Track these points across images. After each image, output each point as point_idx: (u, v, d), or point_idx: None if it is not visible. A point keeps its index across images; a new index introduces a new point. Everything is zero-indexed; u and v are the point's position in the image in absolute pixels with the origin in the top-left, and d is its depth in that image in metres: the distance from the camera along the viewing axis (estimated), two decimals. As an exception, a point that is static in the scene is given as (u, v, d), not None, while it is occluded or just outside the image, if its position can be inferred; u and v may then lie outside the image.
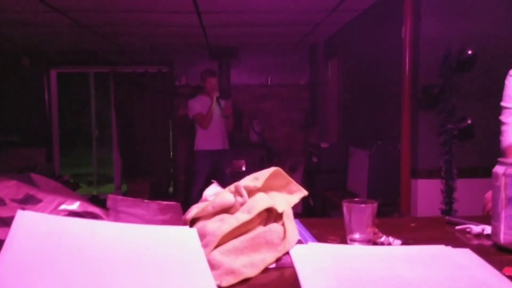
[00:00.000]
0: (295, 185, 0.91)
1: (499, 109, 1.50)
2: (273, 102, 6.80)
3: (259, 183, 0.86)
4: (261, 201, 0.81)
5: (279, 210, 0.83)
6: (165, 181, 6.79)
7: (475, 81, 3.03)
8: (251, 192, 0.85)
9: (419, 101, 3.09)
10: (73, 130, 10.16)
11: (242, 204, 0.83)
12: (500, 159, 0.79)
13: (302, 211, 5.54)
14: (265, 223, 0.83)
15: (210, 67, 5.45)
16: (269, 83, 6.74)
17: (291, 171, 6.16)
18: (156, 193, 6.47)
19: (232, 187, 0.88)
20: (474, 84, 3.04)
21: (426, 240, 0.89)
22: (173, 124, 6.69)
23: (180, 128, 6.53)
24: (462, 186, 3.06)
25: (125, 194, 6.48)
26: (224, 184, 4.25)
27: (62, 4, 3.83)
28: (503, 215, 0.76)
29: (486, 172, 3.09)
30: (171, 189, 6.86)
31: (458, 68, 2.91)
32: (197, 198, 4.64)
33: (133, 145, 6.62)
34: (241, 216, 0.79)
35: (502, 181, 0.76)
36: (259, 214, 0.80)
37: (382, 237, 0.87)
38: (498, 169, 0.78)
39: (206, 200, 0.88)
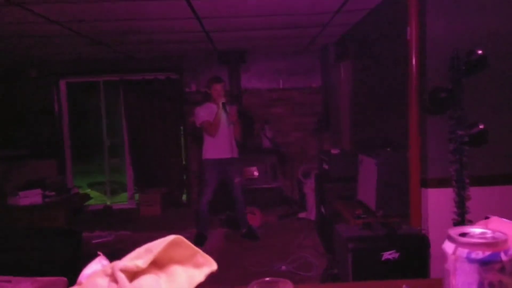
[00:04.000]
0: (202, 256, 0.72)
1: None
2: (285, 106, 6.63)
3: (142, 263, 0.67)
4: None
5: None
6: (178, 189, 6.70)
7: (486, 84, 2.81)
8: (135, 274, 0.67)
9: (427, 106, 2.88)
10: (86, 140, 10.20)
11: None
12: (450, 231, 0.57)
13: (316, 219, 5.36)
14: None
15: (218, 73, 5.32)
16: (280, 86, 6.58)
17: (303, 177, 5.99)
18: (169, 202, 6.39)
19: (109, 268, 0.69)
20: (485, 86, 2.81)
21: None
22: (185, 131, 6.60)
23: (193, 135, 6.41)
24: (476, 194, 2.83)
25: (138, 203, 6.43)
26: (233, 194, 4.10)
27: (61, 15, 3.78)
28: None
29: (501, 179, 2.83)
30: (184, 197, 6.77)
31: (468, 70, 2.69)
32: (206, 209, 4.49)
33: (145, 153, 6.56)
34: None
35: (452, 264, 0.56)
36: None
37: None
38: (447, 246, 0.57)
39: (80, 282, 0.70)
